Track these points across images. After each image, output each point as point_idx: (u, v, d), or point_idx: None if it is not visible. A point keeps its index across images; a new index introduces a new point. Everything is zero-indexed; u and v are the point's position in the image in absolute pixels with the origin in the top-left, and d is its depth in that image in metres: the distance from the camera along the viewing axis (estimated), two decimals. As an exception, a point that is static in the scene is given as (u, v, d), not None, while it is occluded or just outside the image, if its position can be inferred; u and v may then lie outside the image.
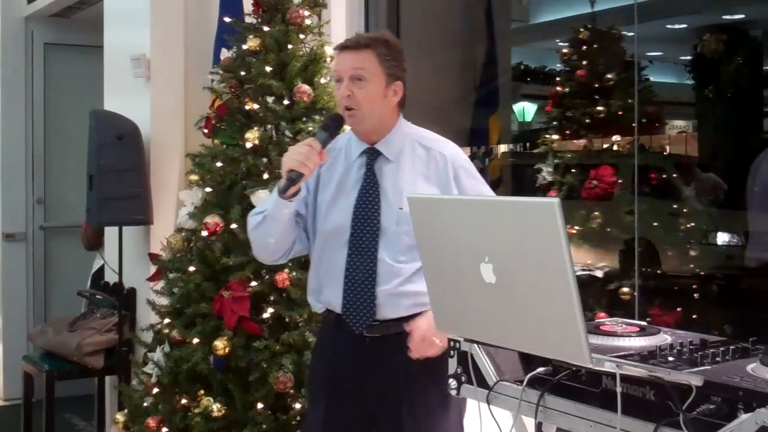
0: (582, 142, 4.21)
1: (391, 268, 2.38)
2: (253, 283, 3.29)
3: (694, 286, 3.72)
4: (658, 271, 3.78)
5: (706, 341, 1.66)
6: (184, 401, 3.34)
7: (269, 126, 3.47)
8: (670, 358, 1.57)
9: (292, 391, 3.21)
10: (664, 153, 4.12)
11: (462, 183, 2.43)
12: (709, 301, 3.59)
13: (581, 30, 4.18)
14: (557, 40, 4.57)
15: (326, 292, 2.46)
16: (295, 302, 3.28)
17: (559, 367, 1.66)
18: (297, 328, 3.26)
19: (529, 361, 1.73)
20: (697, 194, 3.93)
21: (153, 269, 3.87)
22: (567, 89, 4.24)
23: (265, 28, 3.52)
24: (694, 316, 3.63)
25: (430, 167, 2.44)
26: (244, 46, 3.52)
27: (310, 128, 3.43)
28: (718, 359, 1.56)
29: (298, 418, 3.22)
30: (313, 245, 2.51)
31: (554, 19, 4.84)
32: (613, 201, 3.83)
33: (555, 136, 4.30)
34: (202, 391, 3.30)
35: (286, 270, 3.28)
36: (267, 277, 3.31)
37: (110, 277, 4.63)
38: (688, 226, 3.95)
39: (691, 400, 1.44)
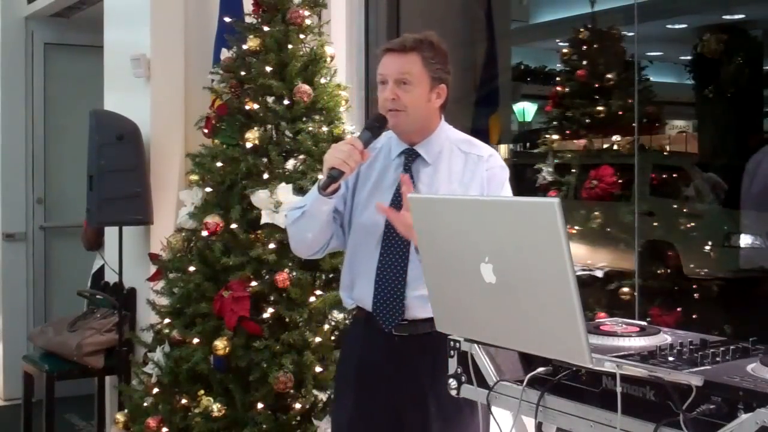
0: (582, 142, 4.21)
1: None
2: (253, 283, 3.29)
3: (715, 288, 3.69)
4: (667, 274, 3.75)
5: (706, 341, 1.66)
6: (184, 401, 3.34)
7: (269, 126, 3.47)
8: (670, 358, 1.57)
9: (292, 391, 3.21)
10: (681, 152, 4.10)
11: (491, 185, 2.43)
12: (732, 304, 3.55)
13: (581, 30, 4.18)
14: (557, 40, 4.58)
15: (358, 289, 2.47)
16: (295, 302, 3.28)
17: (559, 367, 1.66)
18: (297, 328, 3.26)
19: (529, 361, 1.73)
20: (697, 194, 3.93)
21: (153, 269, 3.87)
22: (567, 89, 4.25)
23: (265, 28, 3.52)
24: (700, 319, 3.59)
25: (466, 172, 2.44)
26: (244, 46, 3.52)
27: (310, 128, 3.43)
28: (718, 359, 1.56)
29: (298, 418, 3.22)
30: (347, 241, 2.52)
31: (554, 19, 4.85)
32: (629, 202, 3.82)
33: (555, 136, 4.30)
34: (202, 391, 3.30)
35: (286, 270, 3.28)
36: (267, 277, 3.31)
37: (110, 277, 4.63)
38: (695, 226, 3.92)
39: (691, 400, 1.44)
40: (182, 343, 3.40)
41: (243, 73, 3.53)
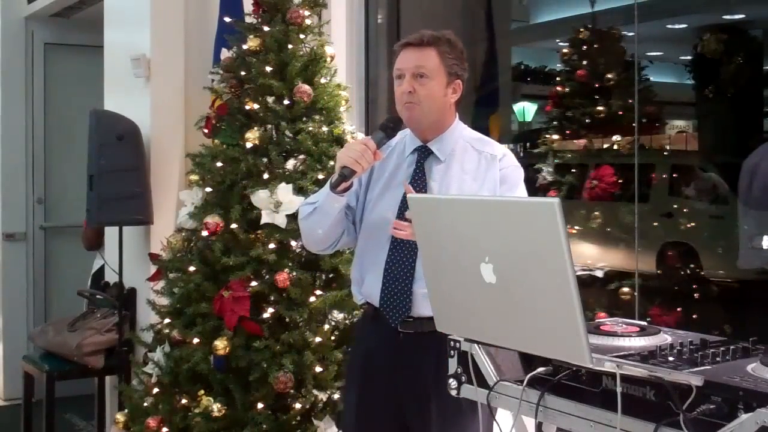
0: (582, 142, 4.21)
1: None
2: (253, 283, 3.29)
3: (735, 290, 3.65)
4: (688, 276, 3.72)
5: (707, 341, 1.66)
6: (184, 401, 3.34)
7: (269, 126, 3.47)
8: (671, 358, 1.57)
9: (292, 391, 3.21)
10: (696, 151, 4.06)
11: (504, 185, 2.44)
12: (756, 307, 3.51)
13: (581, 30, 4.19)
14: (557, 40, 4.58)
15: (367, 285, 2.50)
16: (295, 302, 3.28)
17: (559, 367, 1.66)
18: (297, 328, 3.26)
19: (529, 361, 1.73)
20: (697, 194, 3.93)
21: (153, 269, 3.87)
22: (567, 89, 4.25)
23: (266, 28, 3.52)
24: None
25: (479, 170, 2.45)
26: (245, 46, 3.52)
27: (310, 128, 3.43)
28: (718, 359, 1.57)
29: (298, 418, 3.22)
30: (358, 237, 2.55)
31: (554, 19, 4.85)
32: (649, 203, 3.80)
33: (555, 136, 4.30)
34: (202, 391, 3.30)
35: (286, 270, 3.28)
36: (267, 277, 3.31)
37: (110, 277, 4.63)
38: (716, 227, 3.87)
39: (691, 400, 1.44)
40: (182, 343, 3.40)
41: (243, 73, 3.53)
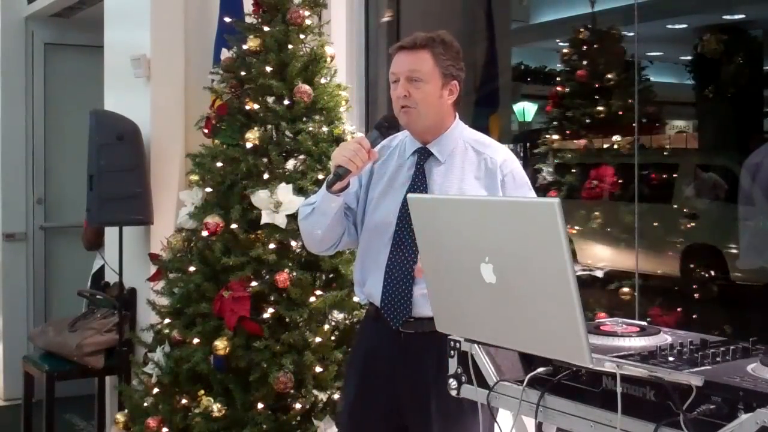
0: (582, 142, 4.22)
1: None
2: (253, 283, 3.29)
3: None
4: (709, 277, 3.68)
5: (707, 341, 1.66)
6: (184, 401, 3.34)
7: (269, 126, 3.47)
8: (671, 358, 1.57)
9: (292, 391, 3.21)
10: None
11: (507, 191, 2.43)
12: None
13: (581, 30, 4.19)
14: (557, 40, 4.58)
15: (368, 285, 2.50)
16: (295, 302, 3.28)
17: (559, 367, 1.66)
18: (297, 328, 3.26)
19: (529, 361, 1.73)
20: (697, 194, 3.92)
21: (153, 269, 3.87)
22: (567, 89, 4.25)
23: (266, 28, 3.52)
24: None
25: (480, 171, 2.45)
26: (245, 46, 3.52)
27: (310, 128, 3.43)
28: (718, 359, 1.56)
29: (298, 418, 3.22)
30: (360, 238, 2.56)
31: (554, 19, 4.85)
32: (669, 204, 3.78)
33: (555, 136, 4.30)
34: (202, 391, 3.30)
35: (286, 270, 3.28)
36: (267, 277, 3.31)
37: (110, 277, 4.63)
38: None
39: (691, 400, 1.44)
40: (182, 343, 3.40)
41: (243, 73, 3.53)
